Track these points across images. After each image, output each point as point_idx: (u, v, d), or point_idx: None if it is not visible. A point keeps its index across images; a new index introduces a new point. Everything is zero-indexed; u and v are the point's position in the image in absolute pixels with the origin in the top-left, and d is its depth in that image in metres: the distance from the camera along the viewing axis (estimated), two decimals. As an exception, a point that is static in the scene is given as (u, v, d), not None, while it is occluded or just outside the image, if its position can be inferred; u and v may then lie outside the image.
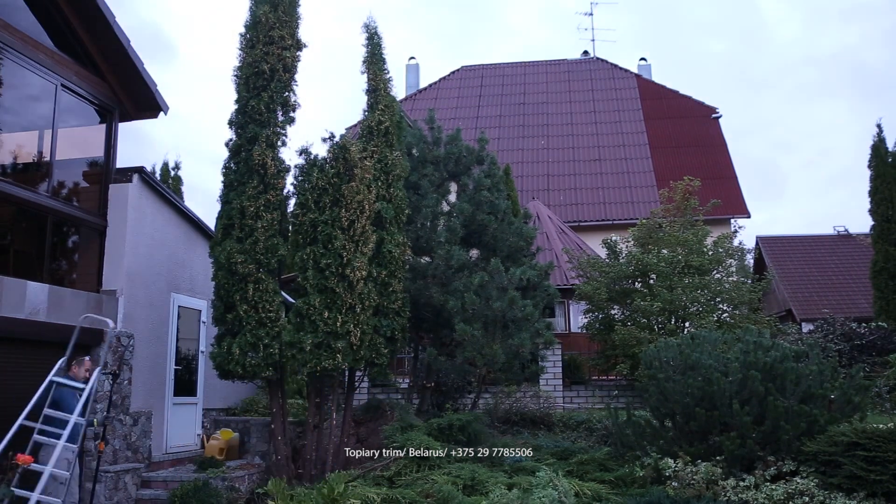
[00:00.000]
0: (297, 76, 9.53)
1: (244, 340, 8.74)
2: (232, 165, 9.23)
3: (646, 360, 8.79)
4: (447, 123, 20.14)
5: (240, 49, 9.29)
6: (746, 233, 62.31)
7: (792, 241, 23.39)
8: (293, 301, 9.56)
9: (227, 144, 9.27)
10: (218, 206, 9.30)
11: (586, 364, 15.54)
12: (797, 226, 61.18)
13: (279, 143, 9.25)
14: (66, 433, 6.87)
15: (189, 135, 54.19)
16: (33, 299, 8.07)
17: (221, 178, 9.26)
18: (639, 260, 14.19)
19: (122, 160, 10.10)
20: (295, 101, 9.48)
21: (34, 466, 6.73)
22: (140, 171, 9.85)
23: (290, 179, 9.48)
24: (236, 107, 9.26)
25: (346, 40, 71.94)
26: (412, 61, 33.95)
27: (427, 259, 11.81)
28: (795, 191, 60.84)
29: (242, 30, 9.31)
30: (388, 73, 10.53)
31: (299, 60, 9.52)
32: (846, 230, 23.58)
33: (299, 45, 9.51)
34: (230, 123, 9.28)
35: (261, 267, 8.84)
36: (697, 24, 67.78)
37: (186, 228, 11.08)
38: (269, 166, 8.96)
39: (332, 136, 9.54)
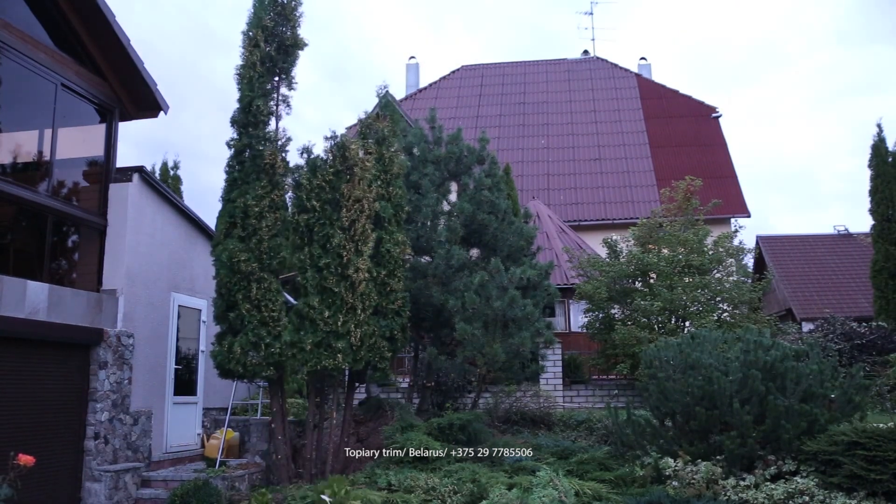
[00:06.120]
0: (294, 76, 9.56)
1: (245, 339, 8.74)
2: (236, 164, 9.21)
3: (646, 360, 8.79)
4: (447, 123, 20.13)
5: (242, 48, 9.27)
6: (746, 232, 62.46)
7: (792, 241, 23.39)
8: (293, 301, 9.54)
9: (228, 144, 9.26)
10: (218, 206, 9.29)
11: (586, 363, 15.54)
12: (797, 226, 61.22)
13: (283, 142, 9.26)
14: None
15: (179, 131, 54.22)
16: (33, 299, 8.06)
17: (224, 177, 9.25)
18: (639, 259, 14.18)
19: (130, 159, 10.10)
20: (290, 101, 9.55)
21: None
22: (140, 170, 9.84)
23: (287, 179, 9.48)
24: (238, 105, 9.23)
25: (344, 44, 71.98)
26: (412, 61, 33.93)
27: (427, 258, 11.81)
28: (795, 191, 60.87)
29: (244, 27, 9.30)
30: None
31: (298, 58, 9.55)
32: (846, 230, 23.58)
33: (299, 45, 9.53)
34: (233, 122, 9.26)
35: (264, 266, 8.83)
36: (698, 23, 67.81)
37: (187, 228, 11.07)
38: (278, 166, 8.97)
39: (334, 136, 9.54)
